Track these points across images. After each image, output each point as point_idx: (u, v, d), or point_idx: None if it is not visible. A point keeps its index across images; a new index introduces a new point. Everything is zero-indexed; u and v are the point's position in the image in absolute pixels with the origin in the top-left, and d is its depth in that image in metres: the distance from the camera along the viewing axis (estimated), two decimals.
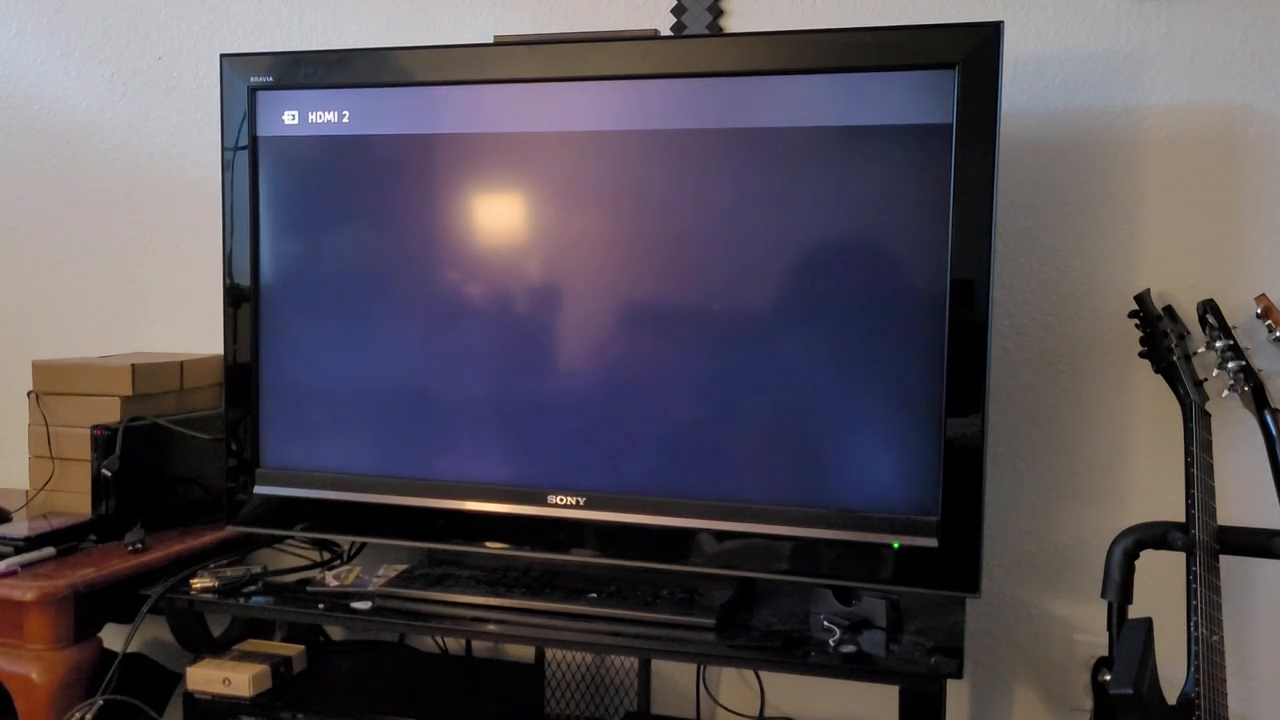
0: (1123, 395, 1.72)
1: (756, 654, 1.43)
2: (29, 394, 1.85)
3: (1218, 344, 1.57)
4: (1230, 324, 1.59)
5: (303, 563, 1.78)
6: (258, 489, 1.73)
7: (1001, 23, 1.40)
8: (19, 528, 1.72)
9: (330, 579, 1.66)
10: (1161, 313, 1.63)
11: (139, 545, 1.71)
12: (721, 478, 1.54)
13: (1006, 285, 1.75)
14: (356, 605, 1.56)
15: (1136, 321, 1.64)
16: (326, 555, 1.83)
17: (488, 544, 1.63)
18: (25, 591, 1.54)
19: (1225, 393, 1.60)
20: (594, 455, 1.59)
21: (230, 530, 1.76)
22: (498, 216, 1.62)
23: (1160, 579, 1.68)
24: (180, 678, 1.76)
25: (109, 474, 1.76)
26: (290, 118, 1.69)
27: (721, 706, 1.91)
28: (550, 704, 1.99)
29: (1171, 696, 1.46)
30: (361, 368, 1.68)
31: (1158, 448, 1.71)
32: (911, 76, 1.44)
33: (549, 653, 1.93)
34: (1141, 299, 1.62)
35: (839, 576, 1.50)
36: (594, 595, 1.56)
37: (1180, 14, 1.66)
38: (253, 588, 1.65)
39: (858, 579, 1.49)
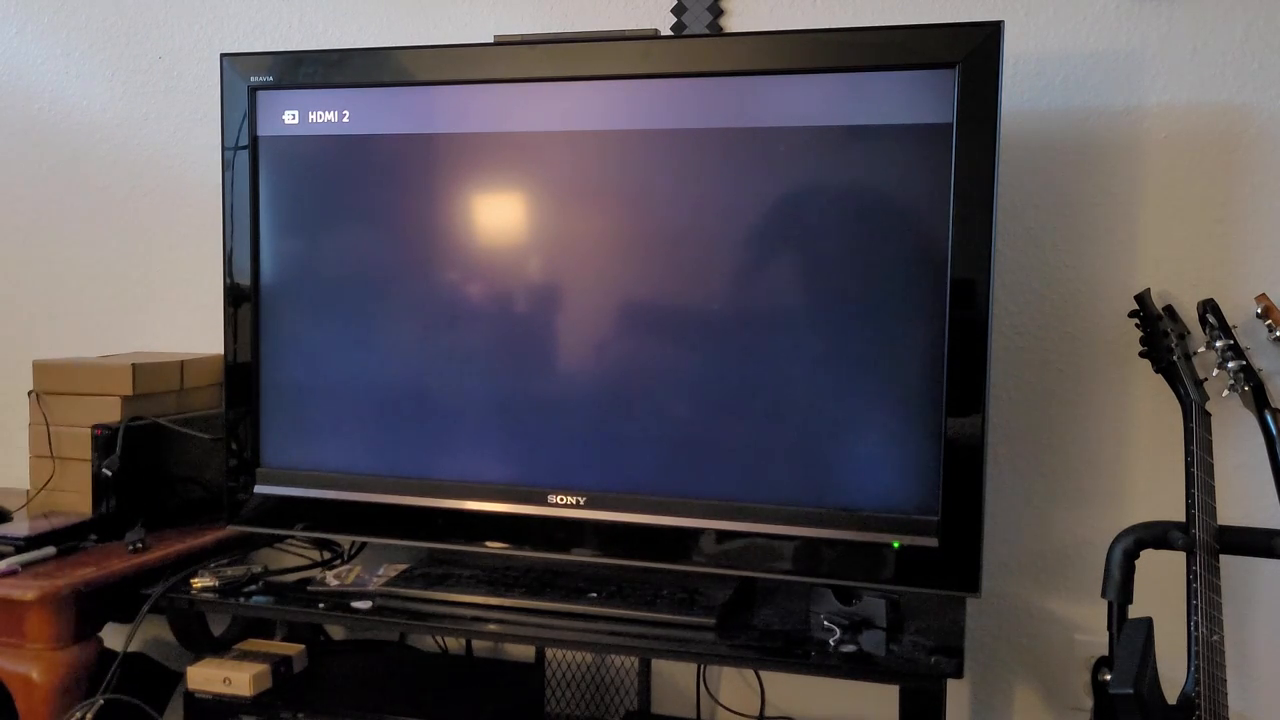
0: (1123, 395, 1.72)
1: (757, 654, 1.43)
2: (29, 394, 1.85)
3: (1218, 344, 1.57)
4: (1230, 323, 1.59)
5: (303, 562, 1.78)
6: (258, 488, 1.73)
7: (1002, 22, 1.41)
8: (19, 527, 1.72)
9: (330, 578, 1.66)
10: (1162, 312, 1.63)
11: (139, 545, 1.71)
12: (722, 477, 1.54)
13: (1006, 285, 1.75)
14: (357, 605, 1.57)
15: (1136, 321, 1.64)
16: (327, 555, 1.83)
17: (488, 544, 1.63)
18: (26, 591, 1.54)
19: (1225, 392, 1.60)
20: (594, 455, 1.59)
21: (230, 530, 1.76)
22: (498, 216, 1.62)
23: (1160, 579, 1.68)
24: (181, 677, 1.76)
25: (109, 473, 1.76)
26: (290, 117, 1.69)
27: (722, 706, 1.91)
28: (550, 704, 1.99)
29: (1172, 696, 1.46)
30: (362, 367, 1.68)
31: (1158, 448, 1.71)
32: (912, 76, 1.44)
33: (549, 652, 1.93)
34: (1141, 299, 1.62)
35: (839, 576, 1.50)
36: (594, 595, 1.56)
37: (1180, 14, 1.67)
38: (253, 587, 1.65)
39: (858, 579, 1.49)
